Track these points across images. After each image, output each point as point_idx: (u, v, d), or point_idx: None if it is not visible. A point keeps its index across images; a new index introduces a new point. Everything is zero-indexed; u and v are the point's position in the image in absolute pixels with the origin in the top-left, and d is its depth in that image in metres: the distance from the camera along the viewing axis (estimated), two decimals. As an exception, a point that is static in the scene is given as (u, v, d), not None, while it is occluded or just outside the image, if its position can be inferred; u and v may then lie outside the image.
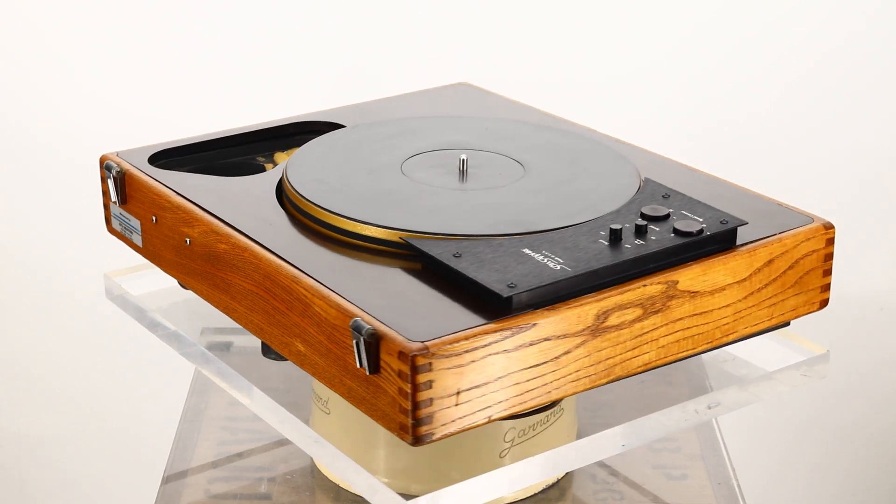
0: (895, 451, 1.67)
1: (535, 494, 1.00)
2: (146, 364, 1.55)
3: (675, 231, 0.86)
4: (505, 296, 0.79)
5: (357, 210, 0.90)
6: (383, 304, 0.80)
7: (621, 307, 0.82)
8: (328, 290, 0.82)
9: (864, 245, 1.57)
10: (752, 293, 0.88)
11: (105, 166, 1.02)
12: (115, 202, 1.02)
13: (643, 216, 0.88)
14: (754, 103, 1.52)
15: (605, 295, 0.82)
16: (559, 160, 1.00)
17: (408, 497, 0.84)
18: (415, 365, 0.76)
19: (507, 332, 0.78)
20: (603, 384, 0.84)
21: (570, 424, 1.03)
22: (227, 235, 0.91)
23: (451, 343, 0.77)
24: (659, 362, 0.86)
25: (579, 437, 1.04)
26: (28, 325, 1.56)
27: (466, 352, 0.77)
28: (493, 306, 0.80)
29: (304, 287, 0.83)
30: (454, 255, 0.84)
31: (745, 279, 0.87)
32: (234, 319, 0.92)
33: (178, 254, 0.97)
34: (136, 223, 1.01)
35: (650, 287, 0.83)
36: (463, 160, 0.98)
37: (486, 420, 0.80)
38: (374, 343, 0.77)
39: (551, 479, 1.01)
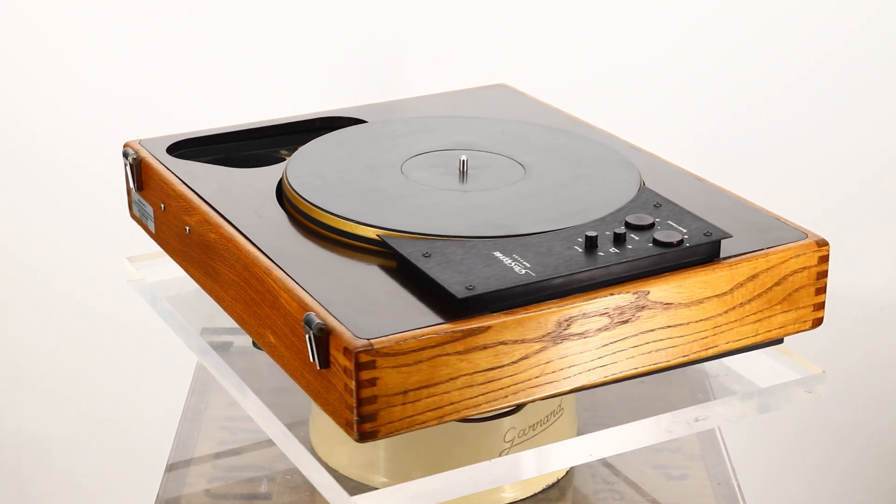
0: (895, 450, 1.66)
1: (535, 494, 1.00)
2: (146, 364, 1.56)
3: (655, 241, 0.84)
4: (460, 297, 0.79)
5: (341, 206, 0.91)
6: (343, 300, 0.81)
7: (586, 315, 0.81)
8: (294, 283, 0.83)
9: (864, 245, 1.56)
10: (733, 308, 0.86)
11: (123, 153, 1.04)
12: (133, 189, 1.05)
13: (627, 224, 0.87)
14: (755, 103, 1.51)
15: (569, 302, 0.81)
16: (564, 165, 0.99)
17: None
18: (358, 362, 0.76)
19: (458, 334, 0.78)
20: (567, 392, 0.83)
21: (571, 424, 1.02)
22: (217, 225, 0.92)
23: (397, 342, 0.77)
24: (630, 373, 0.84)
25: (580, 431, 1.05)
26: (28, 325, 1.57)
27: (414, 351, 0.77)
28: (451, 307, 0.80)
29: (274, 279, 0.84)
30: (423, 255, 0.84)
31: (725, 293, 0.85)
32: (224, 309, 0.93)
33: (180, 241, 0.98)
34: (149, 210, 1.03)
35: (618, 296, 0.82)
36: (463, 161, 0.98)
37: (437, 421, 0.79)
38: (324, 338, 0.78)
39: (551, 479, 1.01)
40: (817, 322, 0.90)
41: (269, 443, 1.04)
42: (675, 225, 0.87)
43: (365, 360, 0.76)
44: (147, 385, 1.57)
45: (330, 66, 1.47)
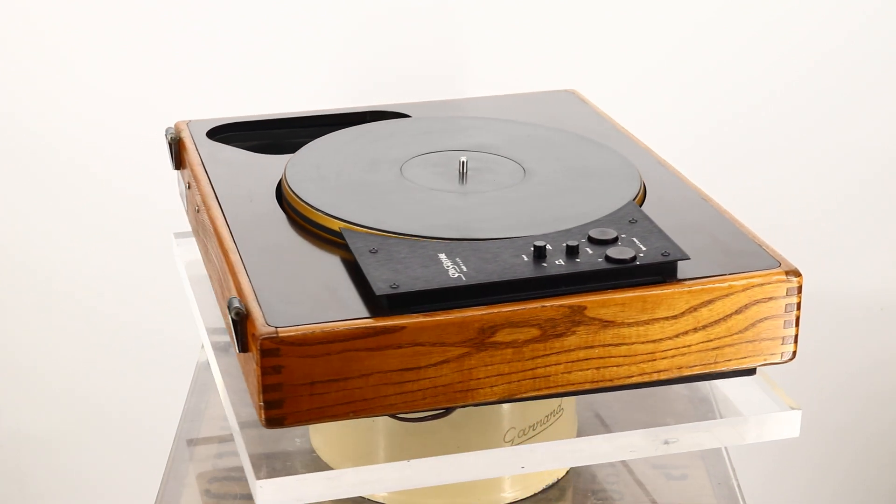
0: (895, 450, 1.65)
1: (535, 494, 0.99)
2: (146, 364, 1.56)
3: (607, 257, 0.82)
4: (378, 294, 0.79)
5: (319, 197, 0.92)
6: (276, 288, 0.82)
7: (513, 325, 0.80)
8: (242, 266, 0.85)
9: (864, 245, 1.54)
10: (686, 332, 0.83)
11: (165, 131, 1.08)
12: (173, 166, 1.09)
13: (589, 238, 0.85)
14: (755, 102, 1.49)
15: (495, 310, 0.80)
16: (568, 173, 0.97)
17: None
18: (262, 349, 0.77)
19: (370, 331, 0.78)
20: (495, 401, 0.82)
21: (571, 424, 1.01)
22: (209, 206, 0.95)
23: (304, 332, 0.77)
24: (569, 388, 0.83)
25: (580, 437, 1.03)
26: (28, 325, 1.56)
27: (321, 343, 0.78)
28: (376, 304, 0.80)
29: (231, 262, 0.86)
30: (370, 251, 0.84)
31: (677, 316, 0.82)
32: (213, 289, 0.96)
33: (196, 221, 1.02)
34: (183, 188, 1.07)
35: (550, 309, 0.80)
36: (463, 162, 0.97)
37: (351, 415, 0.80)
38: (241, 322, 0.79)
39: (551, 479, 1.00)
40: (787, 356, 0.85)
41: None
42: (637, 242, 0.84)
43: (269, 348, 0.77)
44: (147, 385, 1.57)
45: (402, 63, 1.47)
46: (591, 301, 0.81)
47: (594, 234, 0.85)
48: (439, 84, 1.42)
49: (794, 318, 0.84)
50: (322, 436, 1.00)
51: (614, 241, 0.84)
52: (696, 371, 0.84)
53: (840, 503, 1.68)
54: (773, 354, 0.85)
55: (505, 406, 0.95)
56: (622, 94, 1.45)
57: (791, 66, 1.47)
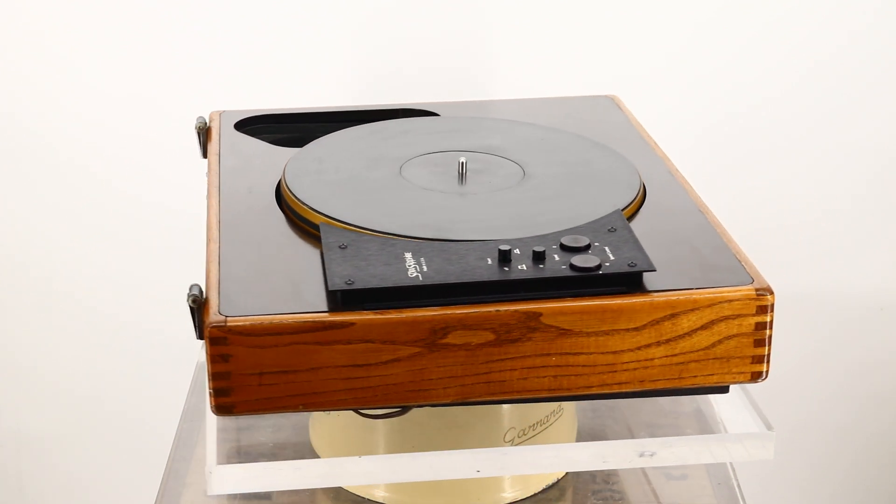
0: (895, 451, 1.65)
1: (535, 494, 0.99)
2: (146, 364, 1.55)
3: (571, 265, 0.81)
4: (330, 289, 0.80)
5: (307, 191, 0.93)
6: (241, 278, 0.83)
7: (466, 327, 0.80)
8: (217, 256, 0.86)
9: (864, 245, 1.54)
10: (649, 345, 0.81)
11: (198, 118, 1.10)
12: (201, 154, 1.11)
13: (560, 245, 0.84)
14: (755, 102, 1.48)
15: (447, 311, 0.79)
16: (567, 178, 0.97)
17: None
18: (210, 336, 0.78)
19: (318, 326, 0.79)
20: (449, 403, 0.82)
21: (571, 424, 1.01)
22: (210, 195, 0.97)
23: (252, 323, 0.78)
24: (526, 394, 0.82)
25: (579, 438, 1.03)
26: (28, 326, 1.56)
27: (270, 335, 0.78)
28: (335, 300, 0.80)
29: (209, 251, 0.88)
30: (340, 246, 0.85)
31: (638, 328, 0.81)
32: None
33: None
34: (206, 177, 1.09)
35: (505, 314, 0.80)
36: (462, 163, 0.97)
37: (301, 408, 0.81)
38: (197, 309, 0.81)
39: (551, 479, 1.00)
40: (757, 376, 0.83)
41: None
42: (607, 251, 0.83)
43: (217, 336, 0.78)
44: (147, 385, 1.56)
45: (444, 63, 1.46)
46: (548, 308, 0.80)
47: (566, 241, 0.84)
48: (481, 85, 1.42)
49: (765, 338, 0.82)
50: (316, 431, 1.01)
51: (585, 248, 0.83)
52: (660, 385, 0.83)
53: (840, 503, 1.68)
54: (741, 374, 0.83)
55: (505, 406, 0.95)
56: (623, 93, 1.41)
57: (791, 66, 1.46)
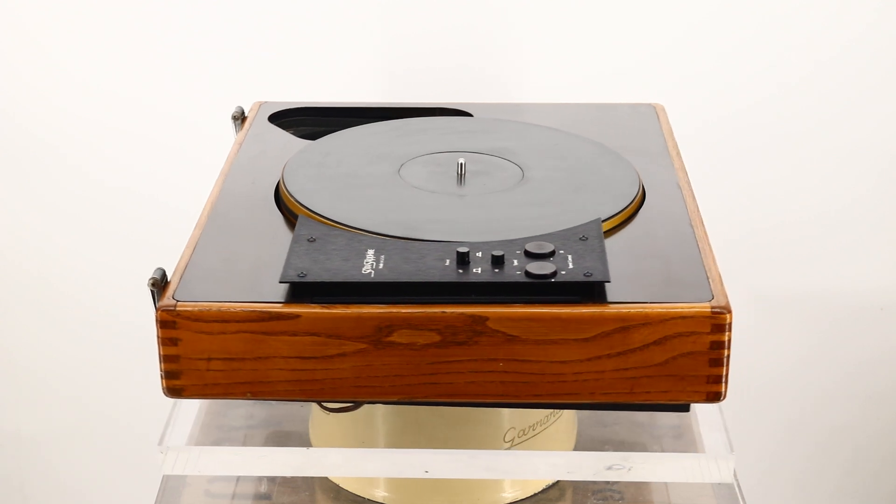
0: (894, 450, 1.64)
1: (536, 494, 0.99)
2: (146, 364, 1.45)
3: (526, 271, 0.81)
4: (279, 280, 0.81)
5: (299, 183, 0.94)
6: (208, 265, 0.85)
7: (412, 327, 0.80)
8: (195, 242, 0.88)
9: (864, 244, 1.52)
10: (598, 357, 0.80)
11: (236, 107, 1.13)
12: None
13: (525, 251, 0.83)
14: (755, 100, 1.45)
15: (393, 309, 0.80)
16: (565, 184, 0.95)
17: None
18: (160, 319, 0.80)
19: (264, 316, 0.80)
20: (395, 401, 0.82)
21: (570, 425, 1.01)
22: (216, 185, 0.99)
23: (200, 309, 0.80)
24: (474, 398, 0.81)
25: (579, 438, 1.02)
26: (28, 326, 1.56)
27: (217, 322, 0.80)
28: (288, 291, 0.82)
29: (192, 236, 0.90)
30: (308, 239, 0.86)
31: (588, 339, 0.80)
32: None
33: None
34: None
35: (450, 316, 0.79)
36: (461, 164, 0.97)
37: (247, 395, 0.82)
38: (156, 293, 0.83)
39: (551, 479, 0.99)
40: (714, 397, 0.81)
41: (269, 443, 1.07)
42: (569, 259, 0.82)
43: (166, 320, 0.80)
44: (147, 385, 1.47)
45: (496, 64, 1.45)
46: (494, 313, 0.79)
47: (530, 247, 0.83)
48: (532, 88, 1.41)
49: (721, 357, 0.80)
50: (314, 427, 1.02)
51: (547, 255, 0.82)
52: (612, 399, 0.81)
53: (840, 501, 1.66)
54: (696, 393, 0.81)
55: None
56: (622, 91, 1.44)
57: (794, 64, 1.44)
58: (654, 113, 1.13)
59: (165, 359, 0.81)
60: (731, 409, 1.45)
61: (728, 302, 0.80)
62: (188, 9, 1.41)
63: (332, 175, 0.97)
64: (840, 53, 1.44)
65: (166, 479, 1.02)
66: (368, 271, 0.81)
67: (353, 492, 0.99)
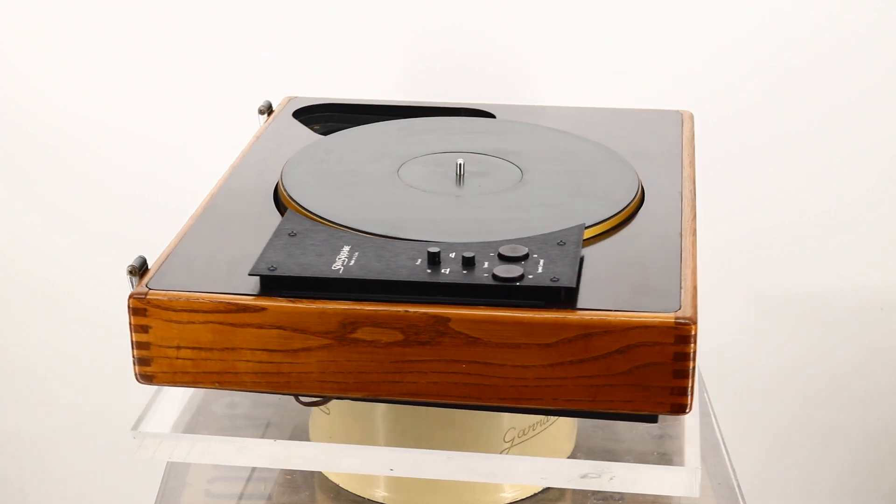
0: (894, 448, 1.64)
1: (535, 494, 0.99)
2: None
3: (493, 274, 0.81)
4: (248, 273, 0.82)
5: (296, 178, 0.95)
6: (189, 254, 0.86)
7: (375, 324, 0.80)
8: (184, 231, 0.90)
9: (864, 244, 1.53)
10: (560, 363, 0.79)
11: (264, 101, 1.14)
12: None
13: (498, 254, 0.83)
14: (755, 98, 1.46)
15: (357, 306, 0.80)
16: (562, 188, 0.95)
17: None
18: (131, 306, 0.82)
19: (232, 308, 0.81)
20: (359, 397, 0.82)
21: (571, 425, 1.00)
22: (223, 176, 1.00)
23: (169, 298, 0.81)
24: (436, 398, 0.81)
25: (579, 438, 1.02)
26: (28, 326, 1.56)
27: (186, 311, 0.81)
28: (259, 284, 0.83)
29: (185, 226, 0.91)
30: (289, 233, 0.87)
31: (550, 345, 0.79)
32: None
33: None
34: None
35: (413, 315, 0.80)
36: (460, 164, 0.97)
37: (216, 385, 0.83)
38: (133, 280, 0.84)
39: None
40: (679, 409, 0.80)
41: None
42: (540, 264, 0.81)
43: (136, 307, 0.82)
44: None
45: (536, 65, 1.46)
46: (456, 314, 0.79)
47: (504, 250, 0.83)
48: (569, 91, 1.41)
49: (686, 369, 0.79)
50: (314, 424, 1.03)
51: (519, 259, 0.82)
52: (574, 406, 0.80)
53: (837, 501, 1.67)
54: (661, 404, 0.80)
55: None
56: (621, 90, 1.45)
57: (794, 62, 1.44)
58: (679, 120, 1.12)
59: (137, 345, 0.82)
60: (731, 409, 1.47)
61: (695, 314, 0.78)
62: (210, 7, 1.43)
63: (331, 172, 0.97)
64: (840, 53, 1.44)
65: (166, 479, 1.02)
66: (338, 267, 0.81)
67: (353, 492, 1.00)
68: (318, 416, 1.01)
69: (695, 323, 0.78)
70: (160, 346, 0.82)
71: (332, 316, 0.80)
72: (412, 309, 0.80)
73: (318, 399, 0.91)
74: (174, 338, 0.82)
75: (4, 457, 1.65)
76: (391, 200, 0.93)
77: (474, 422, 0.95)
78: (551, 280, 0.80)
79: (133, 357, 0.83)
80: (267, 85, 1.41)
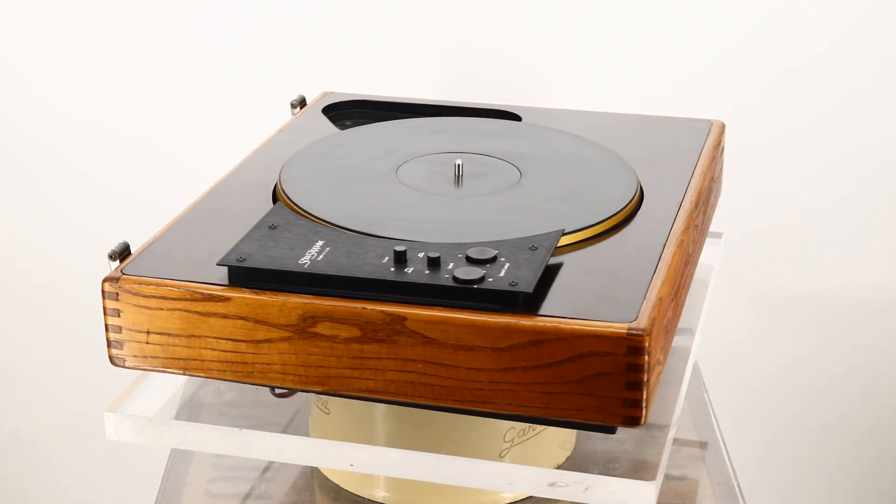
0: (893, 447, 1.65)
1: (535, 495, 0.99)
2: None
3: (453, 276, 0.81)
4: (216, 263, 0.83)
5: (294, 172, 0.96)
6: (173, 243, 0.88)
7: (333, 319, 0.81)
8: (177, 219, 0.92)
9: (864, 244, 1.53)
10: (512, 368, 0.79)
11: (298, 96, 1.16)
12: None
13: (466, 256, 0.83)
14: (754, 97, 1.46)
15: (316, 301, 0.81)
16: (558, 193, 0.94)
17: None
18: (103, 289, 0.84)
19: (197, 296, 0.82)
20: (319, 391, 0.83)
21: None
22: (231, 168, 1.02)
23: (139, 283, 0.83)
24: (393, 397, 0.82)
25: (578, 438, 1.01)
26: (28, 326, 1.56)
27: (155, 297, 0.83)
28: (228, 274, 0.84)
29: (179, 215, 0.94)
30: (270, 226, 0.88)
31: (503, 349, 0.79)
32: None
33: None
34: None
35: (371, 312, 0.80)
36: (458, 165, 0.97)
37: (183, 371, 0.85)
38: (111, 263, 0.87)
39: None
40: (633, 421, 0.78)
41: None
42: (505, 268, 0.81)
43: (108, 291, 0.84)
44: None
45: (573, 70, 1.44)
46: (412, 313, 0.79)
47: (472, 252, 0.83)
48: (608, 96, 1.40)
49: (639, 381, 0.78)
50: (314, 423, 1.04)
51: (487, 261, 0.82)
52: (528, 413, 0.80)
53: (838, 500, 1.67)
54: (613, 415, 0.79)
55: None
56: (620, 88, 1.44)
57: (792, 60, 1.43)
58: (707, 129, 1.10)
59: (109, 328, 0.84)
60: (731, 409, 1.45)
61: (650, 326, 0.77)
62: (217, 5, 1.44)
63: (332, 167, 0.98)
64: (841, 53, 1.43)
65: (166, 479, 1.03)
66: (304, 262, 0.82)
67: (353, 492, 1.00)
68: (315, 418, 1.02)
69: (649, 335, 0.77)
70: (131, 329, 0.84)
71: (293, 309, 0.81)
72: (370, 306, 0.80)
73: (287, 391, 0.92)
74: (144, 323, 0.84)
75: (4, 457, 1.66)
76: (381, 198, 0.93)
77: (475, 421, 0.95)
78: (510, 284, 0.79)
79: (106, 340, 0.85)
80: (304, 81, 1.43)
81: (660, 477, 0.86)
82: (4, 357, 1.61)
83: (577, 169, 0.99)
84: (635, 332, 0.77)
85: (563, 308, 0.79)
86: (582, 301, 0.80)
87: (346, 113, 1.15)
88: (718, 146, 1.08)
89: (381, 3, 1.44)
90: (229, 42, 1.46)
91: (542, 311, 0.79)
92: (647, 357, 0.77)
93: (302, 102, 1.16)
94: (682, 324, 0.97)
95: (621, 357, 0.77)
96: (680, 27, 1.44)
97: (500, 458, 0.94)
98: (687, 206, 0.94)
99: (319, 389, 0.83)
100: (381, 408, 0.96)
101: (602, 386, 0.78)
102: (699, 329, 1.04)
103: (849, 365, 1.58)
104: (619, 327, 0.77)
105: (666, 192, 0.96)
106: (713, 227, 1.16)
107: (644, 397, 0.78)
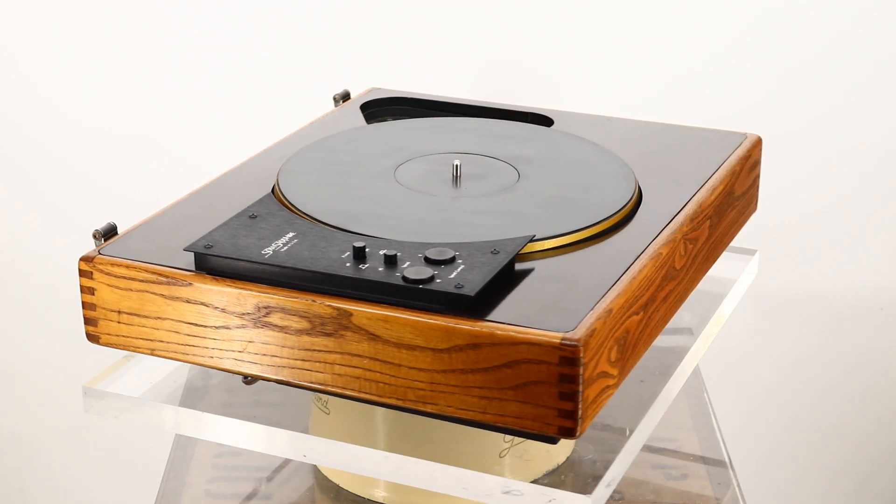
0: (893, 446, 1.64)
1: None
2: None
3: (402, 275, 0.81)
4: (183, 248, 0.85)
5: (294, 167, 0.98)
6: (161, 227, 0.91)
7: (285, 311, 0.82)
8: (171, 205, 0.95)
9: (864, 243, 1.53)
10: (452, 370, 0.79)
11: (343, 90, 1.17)
12: None
13: (425, 256, 0.83)
14: (753, 97, 1.46)
15: (270, 291, 0.82)
16: (551, 197, 0.94)
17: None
18: (79, 268, 0.87)
19: (162, 279, 0.85)
20: (274, 380, 0.85)
21: None
22: (244, 160, 1.04)
23: (112, 264, 0.86)
24: (341, 391, 0.83)
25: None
26: (28, 326, 1.56)
27: (124, 278, 0.86)
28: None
29: (177, 200, 0.96)
30: (250, 216, 0.90)
31: (442, 351, 0.79)
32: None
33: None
34: None
35: (318, 306, 0.81)
36: (456, 165, 0.97)
37: (151, 353, 0.87)
38: (95, 242, 0.90)
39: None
40: (567, 432, 0.78)
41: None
42: (459, 270, 0.81)
43: (83, 269, 0.87)
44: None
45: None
46: (356, 310, 0.80)
47: (430, 252, 0.83)
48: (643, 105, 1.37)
49: (573, 392, 0.77)
50: (313, 422, 1.05)
51: (443, 262, 0.82)
52: (468, 416, 0.80)
53: (838, 499, 1.66)
54: (548, 425, 0.78)
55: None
56: (619, 88, 1.43)
57: (790, 59, 1.42)
58: (738, 143, 1.07)
59: (85, 306, 0.87)
60: (731, 409, 1.45)
61: (587, 338, 0.76)
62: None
63: (334, 162, 1.00)
64: (841, 52, 1.41)
65: (167, 479, 1.05)
66: (267, 253, 0.84)
67: (353, 492, 1.01)
68: (314, 417, 1.03)
69: (583, 346, 0.76)
70: (104, 308, 0.87)
71: (249, 299, 0.83)
72: (318, 300, 0.81)
73: (246, 378, 0.93)
74: (115, 302, 0.86)
75: (4, 457, 1.66)
76: (369, 195, 0.94)
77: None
78: (455, 287, 0.79)
79: (84, 317, 0.88)
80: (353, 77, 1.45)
81: (604, 490, 0.84)
82: (4, 357, 1.61)
83: (577, 175, 0.98)
84: (569, 343, 0.76)
85: (507, 314, 0.79)
86: (530, 308, 0.79)
87: (387, 110, 1.16)
88: (748, 160, 1.05)
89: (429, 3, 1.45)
90: (229, 42, 1.48)
91: (486, 316, 0.79)
92: (583, 369, 0.76)
93: (346, 96, 1.17)
94: (681, 323, 0.96)
95: (554, 367, 0.76)
96: (722, 38, 1.44)
97: (501, 457, 0.94)
98: (681, 218, 0.93)
99: (273, 379, 0.84)
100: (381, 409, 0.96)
101: (536, 395, 0.77)
102: (701, 335, 1.02)
103: (849, 365, 1.58)
104: (553, 336, 0.76)
105: (664, 204, 0.95)
106: (747, 244, 1.13)
107: (579, 409, 0.77)
